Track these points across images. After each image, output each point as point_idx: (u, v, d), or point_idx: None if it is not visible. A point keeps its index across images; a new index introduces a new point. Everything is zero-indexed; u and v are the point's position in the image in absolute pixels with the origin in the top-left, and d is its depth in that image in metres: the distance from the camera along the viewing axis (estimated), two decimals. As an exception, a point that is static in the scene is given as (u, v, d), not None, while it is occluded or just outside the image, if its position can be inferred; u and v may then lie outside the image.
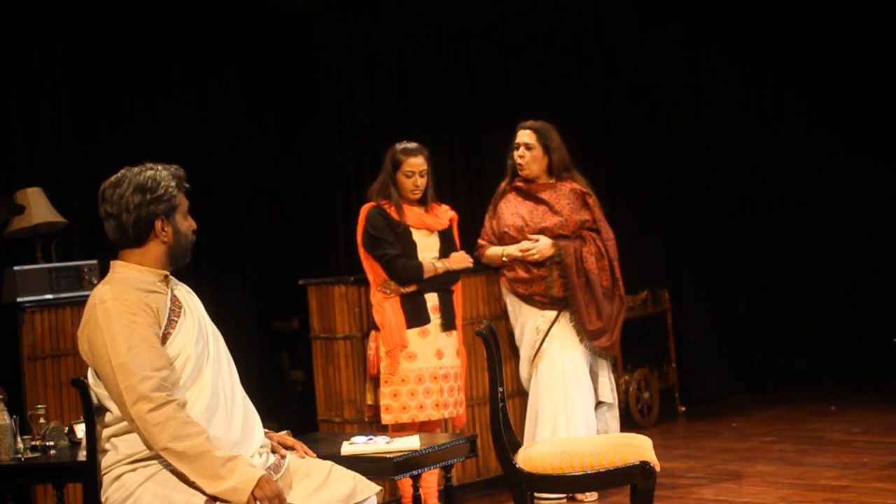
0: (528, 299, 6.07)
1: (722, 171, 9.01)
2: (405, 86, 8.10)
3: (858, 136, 9.17)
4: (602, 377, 6.14)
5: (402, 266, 5.70)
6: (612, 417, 6.18)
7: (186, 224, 3.62)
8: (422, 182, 5.79)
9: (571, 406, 5.91)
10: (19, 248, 6.38)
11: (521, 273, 6.06)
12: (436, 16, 8.22)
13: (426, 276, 5.74)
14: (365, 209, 5.82)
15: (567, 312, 6.03)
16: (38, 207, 6.26)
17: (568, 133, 6.28)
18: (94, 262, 6.15)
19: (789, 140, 9.09)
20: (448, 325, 5.84)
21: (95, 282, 6.04)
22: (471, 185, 8.25)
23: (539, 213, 6.09)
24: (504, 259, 6.11)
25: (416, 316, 5.74)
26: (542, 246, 6.01)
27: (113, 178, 3.56)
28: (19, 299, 5.80)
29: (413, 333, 5.73)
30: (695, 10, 8.90)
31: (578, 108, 8.69)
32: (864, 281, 9.28)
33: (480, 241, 6.25)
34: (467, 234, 6.48)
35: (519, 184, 6.18)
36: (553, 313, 6.04)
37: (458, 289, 5.96)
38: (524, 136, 6.13)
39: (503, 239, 6.14)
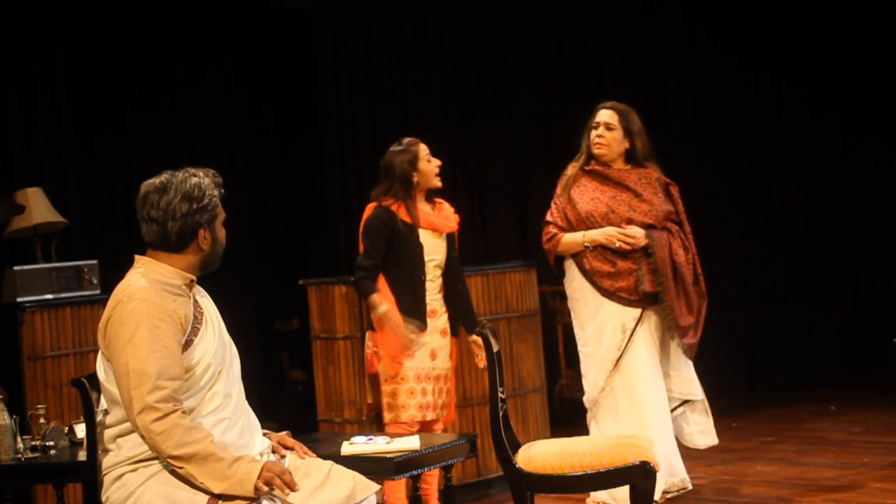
0: (612, 295, 5.61)
1: (722, 171, 9.00)
2: (405, 85, 8.10)
3: (859, 137, 9.17)
4: (689, 374, 5.75)
5: (360, 281, 5.42)
6: (703, 409, 5.84)
7: (222, 233, 3.62)
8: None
9: (660, 405, 5.62)
10: (19, 248, 6.38)
11: (604, 266, 5.62)
12: (435, 15, 8.22)
13: (369, 304, 5.44)
14: (368, 209, 5.57)
15: (651, 309, 5.64)
16: (38, 207, 6.26)
17: (568, 132, 6.26)
18: (94, 262, 6.14)
19: (790, 140, 9.09)
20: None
21: (95, 282, 6.04)
22: (471, 184, 8.24)
23: (624, 200, 5.66)
24: (586, 245, 5.62)
25: (414, 316, 5.67)
26: (637, 234, 5.61)
27: (158, 183, 3.52)
28: (19, 299, 5.80)
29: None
30: (695, 7, 8.90)
31: (579, 108, 8.65)
32: (863, 280, 9.28)
33: (551, 229, 5.75)
34: (466, 234, 6.47)
35: (595, 167, 5.73)
36: (638, 311, 5.62)
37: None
38: (605, 115, 5.74)
39: (588, 226, 5.66)
